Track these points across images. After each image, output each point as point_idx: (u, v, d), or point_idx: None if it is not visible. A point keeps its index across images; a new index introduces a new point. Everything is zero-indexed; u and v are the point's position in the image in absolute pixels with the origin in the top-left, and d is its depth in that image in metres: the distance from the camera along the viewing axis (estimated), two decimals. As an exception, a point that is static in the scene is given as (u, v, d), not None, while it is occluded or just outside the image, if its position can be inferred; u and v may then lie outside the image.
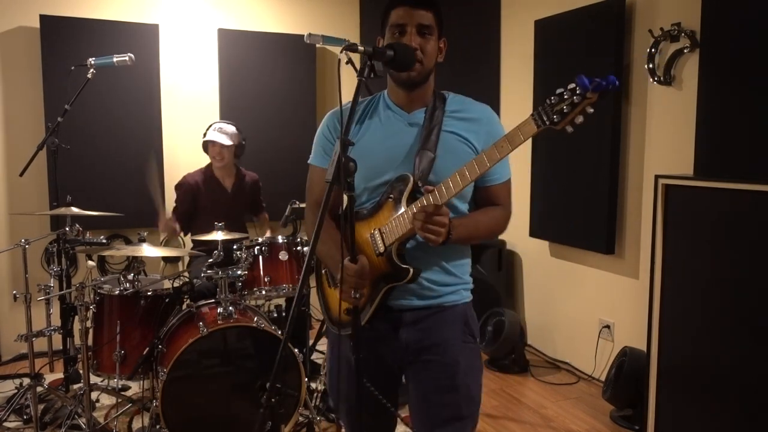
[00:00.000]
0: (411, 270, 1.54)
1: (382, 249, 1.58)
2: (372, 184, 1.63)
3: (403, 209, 1.54)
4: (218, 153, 3.48)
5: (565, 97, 1.25)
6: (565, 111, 1.25)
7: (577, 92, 1.24)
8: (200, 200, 3.56)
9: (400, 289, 1.60)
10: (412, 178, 1.55)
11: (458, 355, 1.64)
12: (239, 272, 2.83)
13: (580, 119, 1.25)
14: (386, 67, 1.53)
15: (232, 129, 3.52)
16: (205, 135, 3.53)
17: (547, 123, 1.29)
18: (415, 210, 1.48)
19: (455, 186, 1.46)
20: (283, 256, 3.05)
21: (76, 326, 2.75)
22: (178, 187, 3.60)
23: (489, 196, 1.67)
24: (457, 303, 1.67)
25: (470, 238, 1.63)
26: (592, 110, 1.25)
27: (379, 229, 1.58)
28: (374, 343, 1.64)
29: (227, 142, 3.46)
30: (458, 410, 1.65)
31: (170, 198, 3.81)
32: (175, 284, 2.86)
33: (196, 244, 3.44)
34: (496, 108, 4.27)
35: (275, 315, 3.40)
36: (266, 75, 4.46)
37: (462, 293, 1.69)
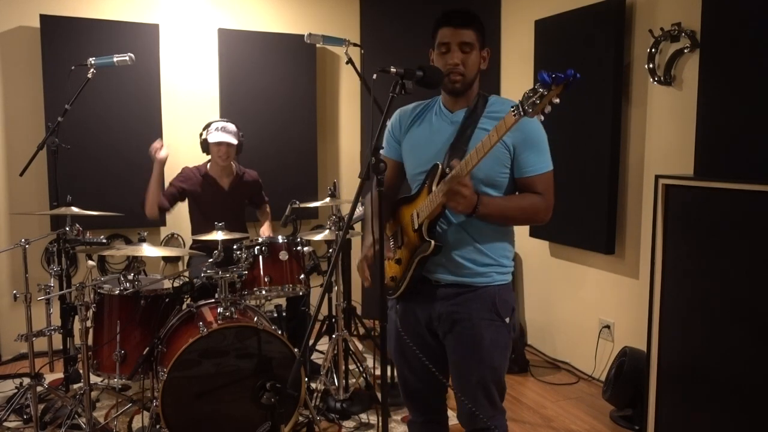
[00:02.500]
0: (432, 243, 1.80)
1: (416, 226, 1.86)
2: (416, 172, 1.94)
3: (433, 189, 1.80)
4: (225, 153, 3.47)
5: (536, 91, 1.44)
6: (535, 102, 1.44)
7: (542, 87, 1.43)
8: (196, 198, 3.55)
9: (436, 263, 1.86)
10: (440, 166, 1.81)
11: (484, 330, 1.86)
12: (239, 272, 2.83)
13: (548, 109, 1.45)
14: (416, 85, 1.76)
15: (233, 128, 3.52)
16: (204, 134, 3.52)
17: (522, 113, 1.50)
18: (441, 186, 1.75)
19: (470, 161, 1.67)
20: (283, 256, 3.05)
21: (76, 326, 2.75)
22: (178, 176, 3.59)
23: (528, 186, 1.86)
24: (488, 285, 1.88)
25: (500, 215, 1.82)
26: (557, 100, 1.43)
27: (416, 210, 1.87)
28: (414, 310, 1.95)
29: (234, 141, 3.47)
30: (483, 379, 1.88)
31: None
32: (175, 284, 2.86)
33: (196, 243, 3.44)
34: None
35: (275, 315, 3.40)
36: (266, 75, 4.46)
37: (494, 276, 1.89)
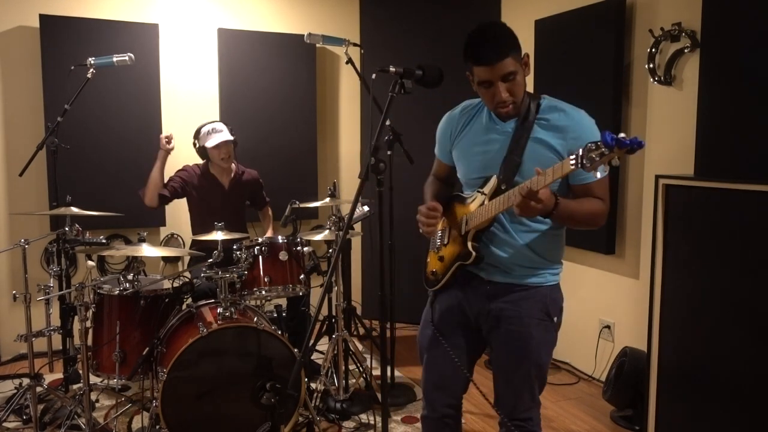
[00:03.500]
0: (473, 254, 1.85)
1: (463, 231, 1.89)
2: (468, 179, 1.96)
3: (486, 202, 1.82)
4: (226, 152, 3.48)
5: (598, 147, 1.41)
6: (594, 159, 1.42)
7: (604, 146, 1.40)
8: (196, 195, 3.55)
9: (489, 263, 1.88)
10: (496, 180, 1.83)
11: (533, 329, 1.88)
12: (239, 272, 2.83)
13: (607, 169, 1.43)
14: (416, 85, 1.77)
15: (223, 125, 3.52)
16: (198, 142, 3.49)
17: (579, 166, 1.46)
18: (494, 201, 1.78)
19: (537, 183, 1.62)
20: (283, 256, 3.04)
21: (76, 326, 2.75)
22: (180, 171, 3.58)
23: (586, 193, 1.83)
24: (540, 285, 1.90)
25: (572, 215, 1.78)
26: (617, 163, 1.41)
27: (467, 215, 1.89)
28: (461, 303, 1.96)
29: (230, 137, 3.48)
30: (528, 373, 1.91)
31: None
32: (175, 284, 2.86)
33: (196, 243, 3.44)
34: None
35: (275, 315, 3.40)
36: (266, 75, 4.46)
37: (547, 277, 1.91)
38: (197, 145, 3.52)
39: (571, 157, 1.48)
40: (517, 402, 1.93)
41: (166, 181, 3.52)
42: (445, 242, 1.98)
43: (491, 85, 1.78)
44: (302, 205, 3.33)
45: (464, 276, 1.94)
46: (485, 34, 1.78)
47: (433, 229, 1.95)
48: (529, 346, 1.88)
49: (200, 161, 3.62)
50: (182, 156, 4.21)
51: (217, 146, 3.43)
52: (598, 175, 1.43)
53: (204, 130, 3.48)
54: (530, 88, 3.93)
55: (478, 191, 1.88)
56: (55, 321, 3.07)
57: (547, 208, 1.66)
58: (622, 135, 1.37)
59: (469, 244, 1.86)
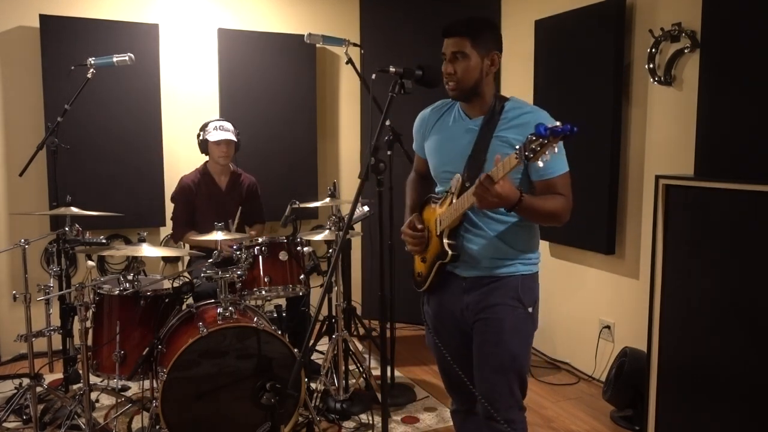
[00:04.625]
0: (449, 253, 1.89)
1: (438, 232, 1.94)
2: (437, 173, 2.03)
3: (453, 200, 1.86)
4: (225, 151, 3.51)
5: (537, 137, 1.49)
6: (536, 149, 1.50)
7: (540, 137, 1.48)
8: (195, 198, 3.57)
9: (462, 261, 1.93)
10: (461, 178, 1.87)
11: (505, 316, 1.92)
12: (239, 272, 2.83)
13: (547, 157, 1.51)
14: (416, 85, 1.81)
15: (230, 126, 3.54)
16: (202, 135, 3.53)
17: (524, 158, 1.54)
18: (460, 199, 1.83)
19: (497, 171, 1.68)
20: (283, 256, 3.05)
21: (76, 326, 2.75)
22: (179, 194, 3.59)
23: (548, 189, 1.88)
24: (511, 275, 1.93)
25: (536, 210, 1.82)
26: (556, 150, 1.50)
27: (440, 216, 1.94)
28: (445, 303, 2.03)
29: (233, 138, 3.50)
30: (501, 363, 1.93)
31: (170, 198, 3.81)
32: (175, 284, 2.86)
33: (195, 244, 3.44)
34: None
35: (275, 315, 3.40)
36: (266, 75, 4.46)
37: (518, 266, 1.94)
38: (201, 138, 3.55)
39: (516, 148, 1.55)
40: (495, 398, 1.92)
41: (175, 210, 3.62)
42: (426, 244, 2.02)
43: (445, 59, 1.90)
44: (302, 205, 3.33)
45: (446, 275, 1.99)
46: (464, 17, 1.91)
47: (420, 248, 2.01)
48: (501, 331, 1.91)
49: (197, 163, 3.63)
50: (182, 156, 4.22)
51: (218, 143, 3.47)
52: (540, 163, 1.51)
53: (212, 125, 3.52)
54: (530, 88, 3.97)
55: (447, 191, 1.93)
56: (55, 321, 3.07)
57: (510, 201, 1.71)
58: (557, 123, 1.45)
59: (445, 243, 1.91)
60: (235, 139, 3.51)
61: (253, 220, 3.77)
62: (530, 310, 1.95)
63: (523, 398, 1.99)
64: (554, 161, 1.82)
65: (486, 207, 1.73)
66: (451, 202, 1.88)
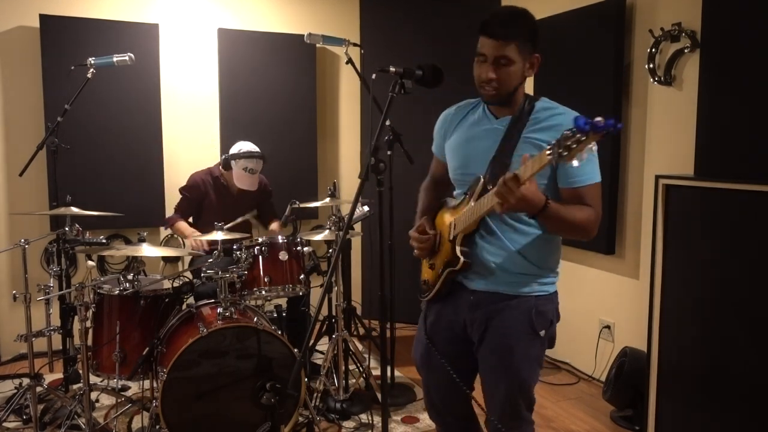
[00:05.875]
0: (461, 260, 1.76)
1: (451, 237, 1.82)
2: (456, 174, 1.89)
3: (472, 203, 1.73)
4: (249, 186, 3.50)
5: (574, 133, 1.33)
6: (571, 146, 1.33)
7: (579, 132, 1.32)
8: (205, 200, 3.56)
9: (473, 271, 1.80)
10: (482, 180, 1.74)
11: (515, 342, 1.78)
12: (239, 272, 2.83)
13: (585, 155, 1.34)
14: (416, 85, 1.73)
15: (259, 163, 3.51)
16: (232, 163, 3.48)
17: (557, 156, 1.37)
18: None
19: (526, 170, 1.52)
20: (283, 256, 3.04)
21: (76, 326, 2.75)
22: (186, 189, 3.59)
23: (575, 198, 1.72)
24: (527, 295, 1.79)
25: (562, 220, 1.66)
26: (595, 148, 1.34)
27: (454, 221, 1.81)
28: (449, 315, 1.89)
29: (254, 187, 3.52)
30: (510, 391, 1.82)
31: (170, 198, 3.82)
32: (175, 284, 2.86)
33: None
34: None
35: (275, 315, 3.40)
36: (266, 75, 4.46)
37: (534, 286, 1.79)
38: (226, 158, 3.52)
39: (547, 148, 1.39)
40: (502, 418, 1.85)
41: (179, 201, 3.62)
42: (436, 249, 1.91)
43: (485, 61, 1.73)
44: (302, 205, 3.34)
45: (453, 286, 1.87)
46: (507, 13, 1.76)
47: (426, 252, 1.91)
48: (510, 360, 1.79)
49: (200, 165, 3.63)
50: (183, 156, 4.22)
51: (241, 181, 3.47)
52: (575, 163, 1.35)
53: (241, 162, 3.45)
54: (530, 88, 3.96)
55: (465, 194, 1.82)
56: (55, 321, 3.06)
57: (535, 206, 1.57)
58: (598, 119, 1.29)
59: (458, 249, 1.78)
60: (255, 187, 3.53)
61: (269, 219, 3.80)
62: (542, 333, 1.81)
63: (530, 414, 1.89)
64: (586, 168, 1.69)
65: (508, 210, 1.58)
66: (469, 203, 1.75)
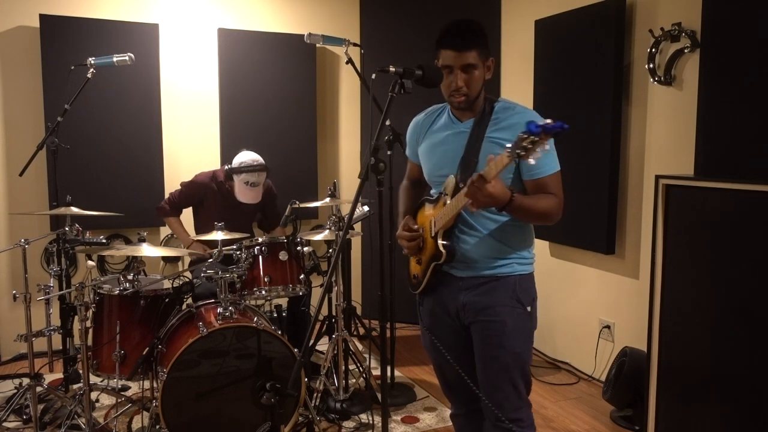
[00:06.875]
0: (444, 253, 1.90)
1: (433, 233, 1.94)
2: (431, 177, 2.05)
3: (448, 202, 1.88)
4: (252, 199, 3.49)
5: (526, 136, 1.48)
6: (527, 147, 1.48)
7: (532, 135, 1.47)
8: (207, 204, 3.55)
9: (459, 261, 1.94)
10: (454, 179, 1.89)
11: (506, 317, 1.92)
12: (239, 272, 2.83)
13: (539, 155, 1.50)
14: (416, 84, 1.79)
15: (262, 177, 3.49)
16: (234, 176, 3.47)
17: (516, 156, 1.52)
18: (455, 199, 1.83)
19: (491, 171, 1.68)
20: (283, 256, 3.04)
21: (76, 326, 2.75)
22: (187, 187, 3.59)
23: (539, 188, 1.88)
24: (509, 275, 1.94)
25: (527, 210, 1.84)
26: (548, 147, 1.49)
27: (434, 217, 1.94)
28: (443, 303, 2.02)
29: (257, 200, 3.52)
30: (505, 365, 1.93)
31: (168, 189, 3.81)
32: (175, 284, 2.86)
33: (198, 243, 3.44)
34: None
35: (275, 315, 3.40)
36: (266, 75, 4.46)
37: (515, 267, 1.95)
38: (229, 169, 3.50)
39: (507, 146, 1.54)
40: (501, 400, 1.93)
41: (179, 192, 3.63)
42: (421, 245, 2.02)
43: (451, 72, 1.86)
44: (302, 205, 3.33)
45: (442, 276, 1.99)
46: (460, 25, 1.88)
47: (415, 249, 2.02)
48: (502, 333, 1.91)
49: (200, 165, 3.63)
50: (182, 156, 4.23)
51: (243, 195, 3.46)
52: (532, 161, 1.50)
53: (244, 176, 3.44)
54: (530, 88, 3.97)
55: (441, 193, 1.95)
56: (55, 321, 3.07)
57: (502, 201, 1.73)
58: (548, 121, 1.44)
59: (439, 244, 1.91)
60: (258, 200, 3.52)
61: (271, 226, 3.79)
62: (529, 309, 1.96)
63: (528, 395, 1.99)
64: (545, 160, 1.82)
65: (479, 207, 1.75)
66: (445, 203, 1.89)
